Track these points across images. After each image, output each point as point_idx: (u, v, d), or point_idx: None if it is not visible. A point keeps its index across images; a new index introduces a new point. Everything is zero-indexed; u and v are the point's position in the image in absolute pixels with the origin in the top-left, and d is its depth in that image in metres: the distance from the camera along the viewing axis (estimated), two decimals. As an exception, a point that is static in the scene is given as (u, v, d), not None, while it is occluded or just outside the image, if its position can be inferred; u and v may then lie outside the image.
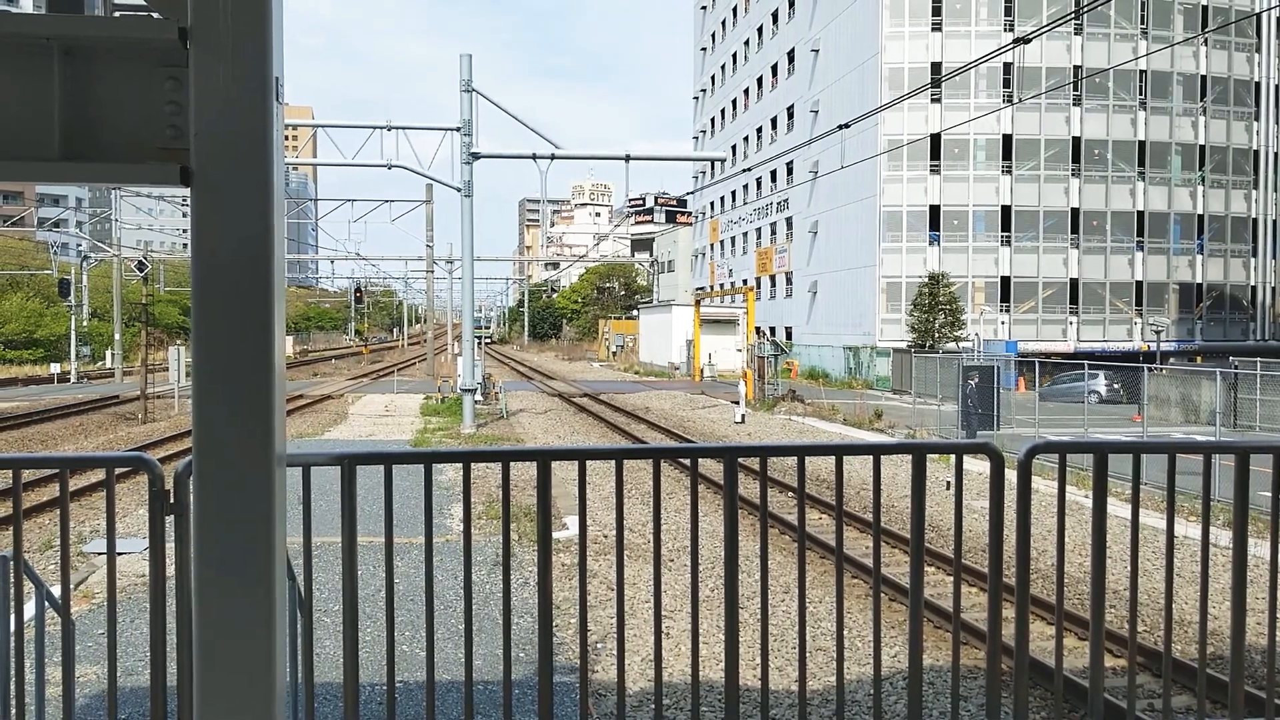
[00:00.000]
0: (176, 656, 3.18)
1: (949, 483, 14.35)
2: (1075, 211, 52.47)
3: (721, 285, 73.73)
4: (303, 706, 3.51)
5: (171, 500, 3.15)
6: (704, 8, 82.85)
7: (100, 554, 11.17)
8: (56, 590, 4.06)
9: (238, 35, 1.75)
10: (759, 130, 68.88)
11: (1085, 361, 27.59)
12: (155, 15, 1.89)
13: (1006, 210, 52.02)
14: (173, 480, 3.14)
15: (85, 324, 57.63)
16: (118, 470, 3.59)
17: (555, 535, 4.20)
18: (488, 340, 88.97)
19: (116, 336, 48.62)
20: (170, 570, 3.23)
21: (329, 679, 6.13)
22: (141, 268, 34.79)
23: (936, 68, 50.34)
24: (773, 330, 61.90)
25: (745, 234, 72.06)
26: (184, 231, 78.90)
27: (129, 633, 7.92)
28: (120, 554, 10.29)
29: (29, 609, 3.64)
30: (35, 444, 22.48)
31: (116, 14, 2.03)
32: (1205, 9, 53.70)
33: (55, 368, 45.64)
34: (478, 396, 27.37)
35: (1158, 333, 47.72)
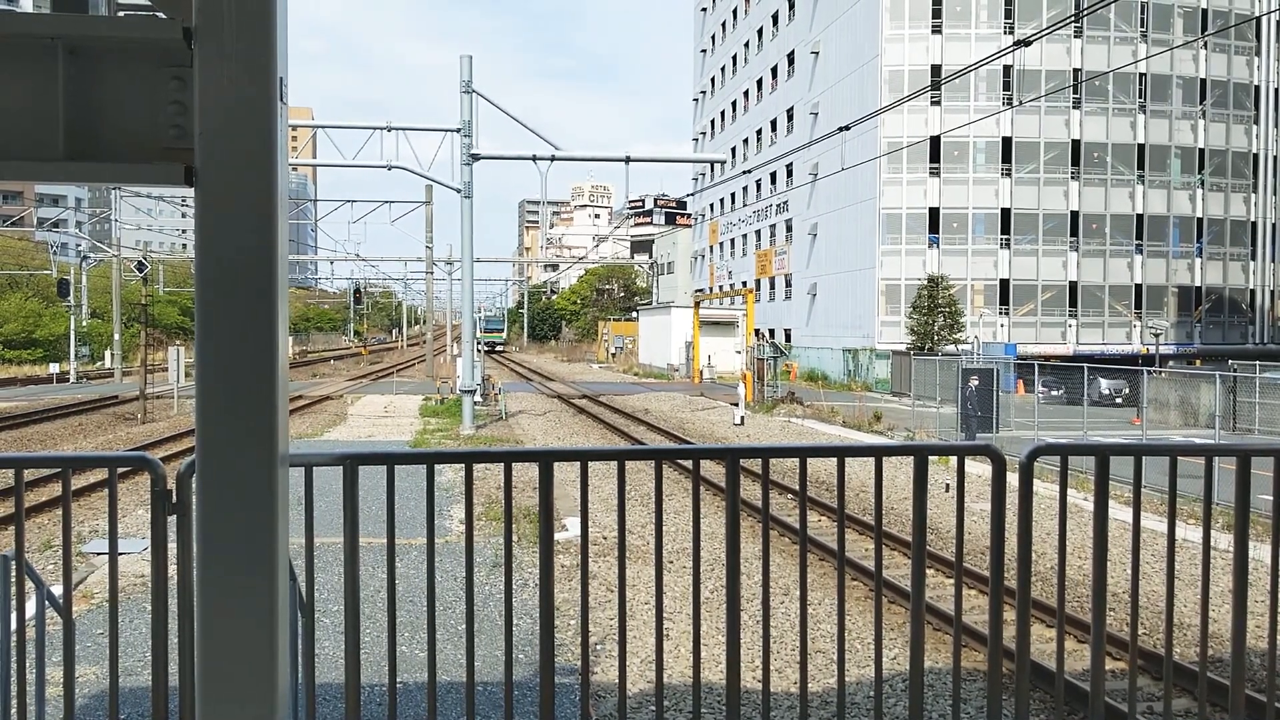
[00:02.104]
0: (178, 656, 3.18)
1: (948, 485, 14.37)
2: (1075, 214, 52.50)
3: (721, 287, 73.73)
4: (304, 707, 3.51)
5: (174, 500, 3.15)
6: (704, 10, 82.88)
7: (99, 554, 11.16)
8: (57, 590, 4.06)
9: (242, 35, 1.75)
10: (759, 132, 68.90)
11: (1085, 364, 27.59)
12: (160, 15, 1.88)
13: (1006, 213, 52.05)
14: (175, 480, 3.14)
15: (84, 324, 57.61)
16: (119, 470, 3.59)
17: (555, 536, 4.19)
18: (499, 346, 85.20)
19: (115, 336, 48.61)
20: (171, 570, 3.23)
21: (330, 679, 6.12)
22: (141, 268, 34.76)
23: (936, 70, 50.35)
24: (772, 332, 61.92)
25: (745, 236, 72.08)
26: (183, 232, 78.84)
27: (128, 633, 7.91)
28: (120, 554, 10.28)
29: (29, 608, 3.64)
30: (34, 444, 22.46)
31: (121, 14, 2.03)
32: (1205, 12, 53.75)
33: (54, 368, 45.61)
34: (477, 398, 27.36)
35: (1156, 335, 47.72)
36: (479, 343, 67.69)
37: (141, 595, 9.15)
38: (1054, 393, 32.84)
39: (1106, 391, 36.22)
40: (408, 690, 6.77)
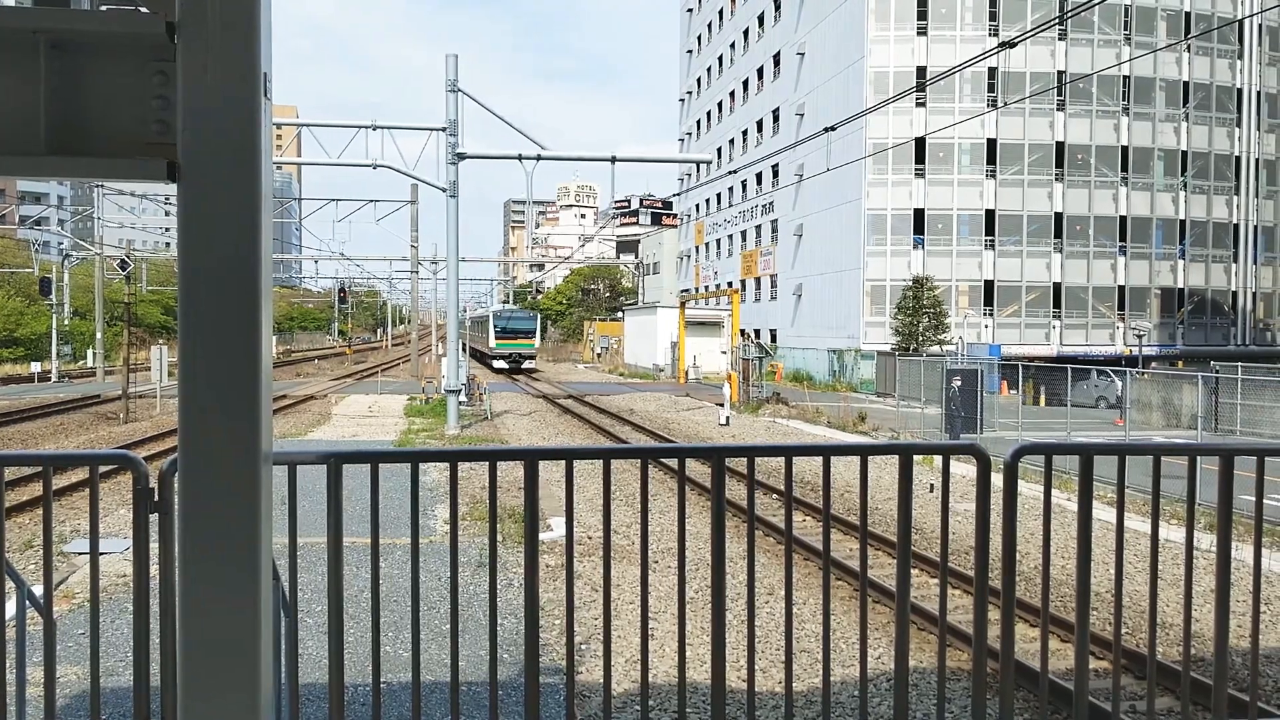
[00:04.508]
0: (160, 656, 3.15)
1: (932, 485, 14.41)
2: (1058, 216, 52.76)
3: (706, 287, 73.78)
4: (287, 707, 3.49)
5: (156, 499, 3.13)
6: (690, 10, 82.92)
7: (79, 554, 11.09)
8: (38, 590, 4.03)
9: (226, 30, 1.74)
10: (744, 133, 68.99)
11: (1069, 365, 27.72)
12: (143, 9, 1.87)
13: (990, 214, 52.25)
14: (157, 479, 3.12)
15: (66, 323, 57.22)
16: (100, 469, 3.56)
17: (540, 536, 4.18)
18: (527, 360, 61.73)
19: (98, 335, 48.30)
20: (154, 569, 3.21)
21: (313, 679, 6.09)
22: (124, 266, 34.54)
23: (921, 72, 50.51)
24: (757, 333, 61.99)
25: (730, 236, 72.14)
26: (166, 230, 78.40)
27: (109, 633, 7.86)
28: (102, 553, 10.21)
29: (10, 608, 3.61)
30: (15, 443, 22.29)
31: (104, 7, 2.02)
32: (1188, 15, 54.09)
33: (36, 367, 45.30)
34: (462, 398, 27.30)
35: (1140, 337, 48.00)
36: (496, 355, 58.31)
37: (123, 595, 9.09)
38: (1009, 391, 32.76)
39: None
40: (392, 690, 6.74)
